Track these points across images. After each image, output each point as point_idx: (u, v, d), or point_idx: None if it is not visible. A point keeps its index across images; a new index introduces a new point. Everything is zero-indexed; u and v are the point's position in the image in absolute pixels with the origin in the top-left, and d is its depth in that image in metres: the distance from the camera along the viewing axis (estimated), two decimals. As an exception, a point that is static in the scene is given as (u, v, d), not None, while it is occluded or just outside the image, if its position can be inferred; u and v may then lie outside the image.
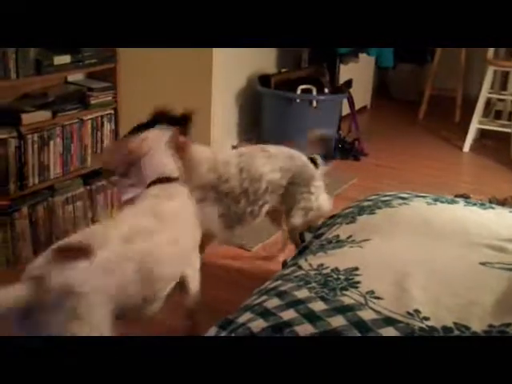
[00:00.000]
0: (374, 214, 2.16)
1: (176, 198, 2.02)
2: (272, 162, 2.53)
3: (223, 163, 2.47)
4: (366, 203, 2.31)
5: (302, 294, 1.60)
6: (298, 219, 2.59)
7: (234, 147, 4.32)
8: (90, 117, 2.93)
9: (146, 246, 1.79)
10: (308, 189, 2.58)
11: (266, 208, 2.56)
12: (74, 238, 1.77)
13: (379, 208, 2.21)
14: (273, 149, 2.59)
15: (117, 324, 1.71)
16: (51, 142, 2.75)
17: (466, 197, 2.64)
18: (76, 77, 3.05)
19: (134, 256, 1.75)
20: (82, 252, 1.65)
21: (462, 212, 2.14)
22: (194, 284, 2.11)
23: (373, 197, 2.39)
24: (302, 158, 2.62)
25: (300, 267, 1.81)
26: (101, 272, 1.65)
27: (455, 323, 1.46)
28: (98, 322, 1.64)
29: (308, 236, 2.36)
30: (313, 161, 2.66)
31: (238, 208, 2.47)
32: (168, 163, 2.12)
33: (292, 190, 2.56)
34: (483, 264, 1.73)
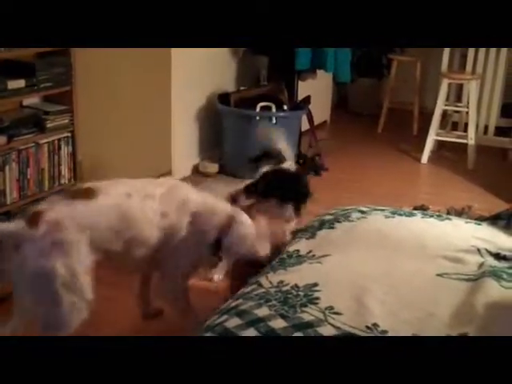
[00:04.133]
0: (333, 228, 2.18)
1: None
2: None
3: None
4: (326, 217, 2.33)
5: (262, 312, 1.60)
6: None
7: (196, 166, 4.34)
8: (46, 140, 2.89)
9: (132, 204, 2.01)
10: None
11: None
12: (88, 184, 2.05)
13: (339, 222, 2.23)
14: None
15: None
16: (7, 167, 2.71)
17: (424, 208, 2.69)
18: (31, 101, 3.01)
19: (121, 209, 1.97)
20: (86, 194, 1.94)
21: (419, 224, 2.18)
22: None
23: (333, 211, 2.41)
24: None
25: (260, 285, 1.81)
26: (93, 215, 1.90)
27: (413, 335, 1.48)
28: (78, 258, 1.84)
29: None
30: None
31: None
32: None
33: None
34: (440, 275, 1.76)
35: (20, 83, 2.76)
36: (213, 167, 4.38)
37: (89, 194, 1.94)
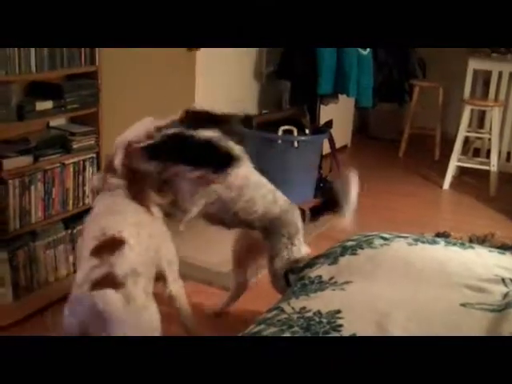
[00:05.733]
0: (355, 254, 2.18)
1: None
2: (273, 205, 2.60)
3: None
4: (349, 243, 2.32)
5: (284, 338, 1.60)
6: (279, 269, 2.59)
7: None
8: (72, 161, 2.93)
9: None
10: (292, 241, 2.61)
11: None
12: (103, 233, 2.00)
13: (361, 248, 2.22)
14: (279, 194, 2.66)
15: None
16: (32, 187, 2.75)
17: (446, 235, 2.66)
18: (58, 121, 3.06)
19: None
20: (116, 245, 1.92)
21: (442, 252, 2.16)
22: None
23: (355, 237, 2.40)
24: (295, 211, 2.66)
25: (283, 310, 1.81)
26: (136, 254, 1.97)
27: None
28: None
29: (292, 278, 2.37)
30: (301, 211, 2.70)
31: (225, 214, 2.53)
32: None
33: (277, 239, 2.59)
34: (463, 305, 1.75)
35: (48, 104, 2.81)
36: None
37: (117, 244, 1.95)
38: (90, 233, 2.05)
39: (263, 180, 2.64)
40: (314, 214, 2.76)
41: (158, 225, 2.31)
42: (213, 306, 2.90)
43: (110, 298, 1.76)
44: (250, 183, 2.55)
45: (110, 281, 1.81)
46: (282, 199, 2.65)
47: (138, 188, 2.24)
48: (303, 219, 2.70)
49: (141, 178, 2.27)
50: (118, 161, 2.26)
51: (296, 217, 2.66)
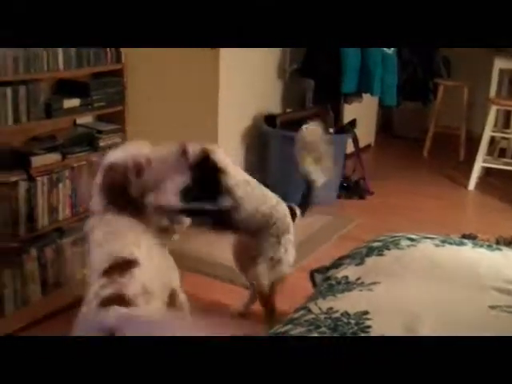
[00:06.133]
0: (382, 255, 2.17)
1: None
2: (263, 199, 2.55)
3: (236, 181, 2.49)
4: (375, 244, 2.32)
5: (312, 338, 1.61)
6: (262, 269, 2.56)
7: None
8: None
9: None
10: (279, 240, 2.55)
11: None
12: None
13: (388, 249, 2.21)
14: (266, 191, 2.60)
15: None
16: (60, 184, 2.78)
17: (473, 237, 2.65)
18: (85, 119, 3.10)
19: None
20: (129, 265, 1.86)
21: (470, 254, 2.15)
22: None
23: (381, 237, 2.39)
24: (283, 208, 2.60)
25: (310, 311, 1.81)
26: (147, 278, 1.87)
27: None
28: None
29: (318, 278, 2.37)
30: (291, 210, 2.64)
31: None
32: None
33: (264, 238, 2.54)
34: (493, 308, 1.73)
35: (75, 102, 2.84)
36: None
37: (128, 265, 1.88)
38: (99, 258, 1.96)
39: (247, 176, 2.58)
40: (303, 208, 2.70)
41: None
42: (236, 306, 2.91)
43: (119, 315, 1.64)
44: (239, 181, 2.49)
45: (119, 299, 1.71)
46: (270, 194, 2.59)
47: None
48: (293, 218, 2.63)
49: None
50: (99, 181, 2.17)
51: (285, 213, 2.58)
